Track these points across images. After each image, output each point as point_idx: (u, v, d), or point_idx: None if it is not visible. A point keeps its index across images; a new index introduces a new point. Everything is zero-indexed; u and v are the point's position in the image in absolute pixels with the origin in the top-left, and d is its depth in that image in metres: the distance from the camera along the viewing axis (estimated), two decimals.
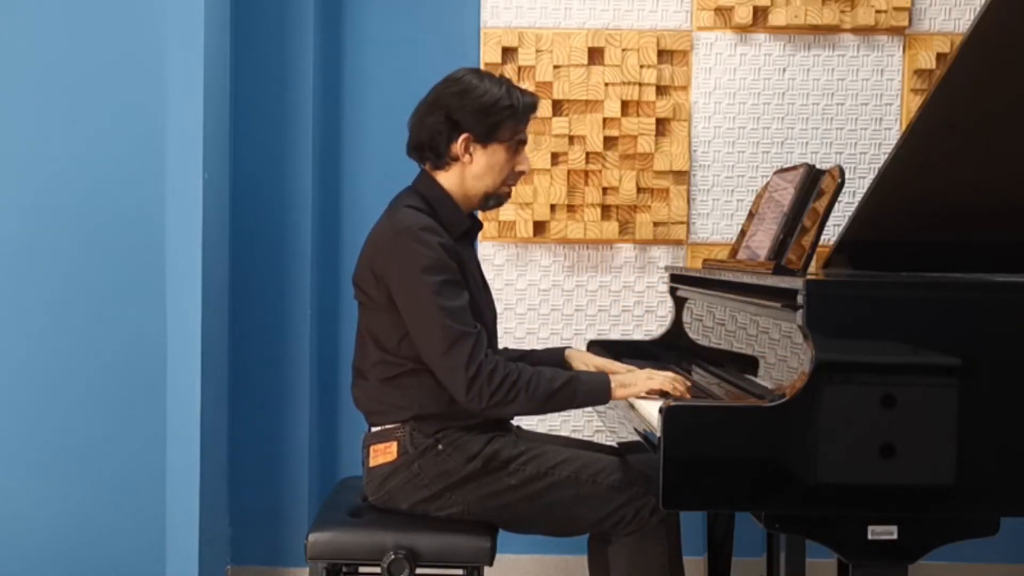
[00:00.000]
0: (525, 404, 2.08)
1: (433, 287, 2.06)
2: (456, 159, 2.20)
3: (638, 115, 3.13)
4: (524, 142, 2.26)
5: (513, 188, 2.30)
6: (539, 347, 2.70)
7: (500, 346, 2.56)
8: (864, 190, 2.46)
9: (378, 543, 2.09)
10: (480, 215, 3.11)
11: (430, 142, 2.20)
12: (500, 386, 2.05)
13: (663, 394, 2.15)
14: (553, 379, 2.09)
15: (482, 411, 2.09)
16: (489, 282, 3.12)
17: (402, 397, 2.16)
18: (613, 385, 2.13)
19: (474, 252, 2.32)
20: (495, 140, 2.20)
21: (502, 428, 2.25)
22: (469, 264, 2.23)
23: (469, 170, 2.21)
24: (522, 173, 2.27)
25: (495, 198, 2.27)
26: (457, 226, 2.21)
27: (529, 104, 2.23)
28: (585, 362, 2.40)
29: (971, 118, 2.23)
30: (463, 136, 2.18)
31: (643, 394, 2.14)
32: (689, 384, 2.19)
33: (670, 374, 2.18)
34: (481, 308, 2.22)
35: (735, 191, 3.16)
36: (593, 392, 2.13)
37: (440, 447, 2.14)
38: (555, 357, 2.45)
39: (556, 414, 3.16)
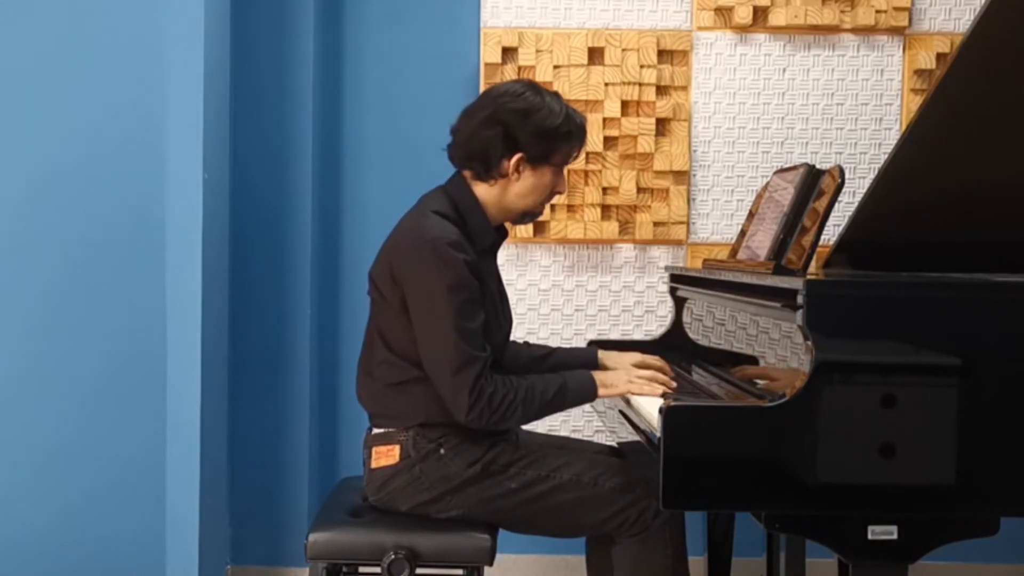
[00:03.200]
0: (521, 418, 2.12)
1: (453, 306, 2.05)
2: (504, 175, 2.18)
3: (638, 115, 3.13)
4: (567, 163, 2.25)
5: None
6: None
7: (521, 341, 2.56)
8: (864, 190, 2.46)
9: (378, 543, 2.10)
10: None
11: (482, 155, 2.16)
12: (499, 407, 2.07)
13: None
14: (545, 391, 2.13)
15: (481, 428, 2.12)
16: None
17: (408, 405, 2.16)
18: (597, 384, 2.18)
19: (495, 264, 2.30)
20: (547, 163, 2.18)
21: (504, 432, 2.25)
22: (489, 278, 2.22)
23: (513, 187, 2.19)
24: (559, 193, 2.26)
25: (530, 215, 2.27)
26: (484, 239, 2.20)
27: (583, 128, 2.23)
28: (621, 363, 2.36)
29: (971, 118, 2.23)
30: (518, 155, 2.15)
31: (626, 392, 2.17)
32: (671, 375, 2.20)
33: (648, 373, 2.19)
34: (498, 321, 2.23)
35: (735, 191, 3.16)
36: (580, 396, 2.18)
37: (442, 451, 2.14)
38: (587, 359, 2.44)
39: (556, 415, 3.17)
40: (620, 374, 2.21)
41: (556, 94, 2.22)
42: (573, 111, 2.21)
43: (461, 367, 2.05)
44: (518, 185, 2.19)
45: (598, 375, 2.20)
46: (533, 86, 2.21)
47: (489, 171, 2.17)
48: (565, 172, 2.27)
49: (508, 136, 2.14)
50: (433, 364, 2.09)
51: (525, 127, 2.14)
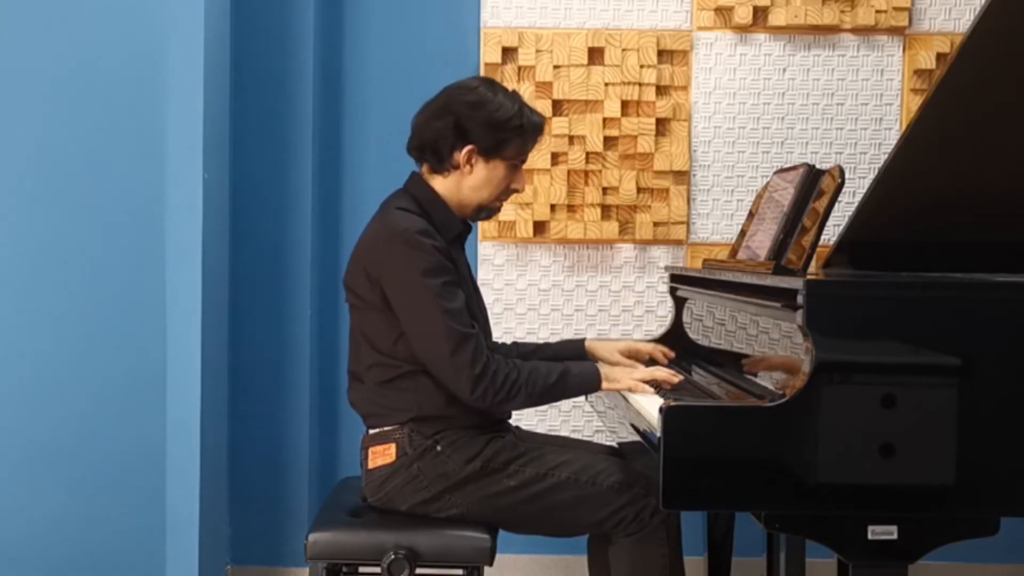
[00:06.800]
0: (525, 400, 2.13)
1: (434, 290, 2.07)
2: (456, 167, 2.19)
3: (638, 115, 3.13)
4: (524, 161, 2.26)
5: (504, 204, 2.31)
6: None
7: (510, 340, 2.61)
8: (864, 190, 2.46)
9: (378, 543, 2.09)
10: None
11: (433, 145, 2.19)
12: (503, 385, 2.08)
13: (656, 386, 2.19)
14: (548, 375, 2.14)
15: (485, 408, 2.12)
16: (489, 282, 3.15)
17: (400, 400, 2.16)
18: (602, 377, 2.19)
19: (464, 255, 2.32)
20: (499, 156, 2.19)
21: (501, 429, 2.26)
22: (461, 268, 2.24)
23: (467, 180, 2.21)
24: (516, 191, 2.28)
25: (486, 211, 2.28)
26: (450, 229, 2.22)
27: (538, 125, 2.23)
28: (609, 350, 2.43)
29: (971, 118, 2.23)
30: (468, 147, 2.17)
31: (629, 388, 2.19)
32: (675, 373, 2.22)
33: (652, 369, 2.24)
34: (474, 310, 2.23)
35: (735, 191, 3.16)
36: (584, 385, 2.20)
37: (439, 448, 2.14)
38: (574, 350, 2.48)
39: (556, 413, 3.16)
40: (625, 371, 2.24)
41: (514, 92, 2.24)
42: (530, 109, 2.23)
43: (457, 346, 2.06)
44: (471, 178, 2.20)
45: (603, 368, 2.22)
46: (489, 82, 2.24)
47: (441, 162, 2.20)
48: (523, 170, 2.27)
49: (458, 127, 2.16)
50: (428, 350, 2.10)
51: (475, 118, 2.16)
